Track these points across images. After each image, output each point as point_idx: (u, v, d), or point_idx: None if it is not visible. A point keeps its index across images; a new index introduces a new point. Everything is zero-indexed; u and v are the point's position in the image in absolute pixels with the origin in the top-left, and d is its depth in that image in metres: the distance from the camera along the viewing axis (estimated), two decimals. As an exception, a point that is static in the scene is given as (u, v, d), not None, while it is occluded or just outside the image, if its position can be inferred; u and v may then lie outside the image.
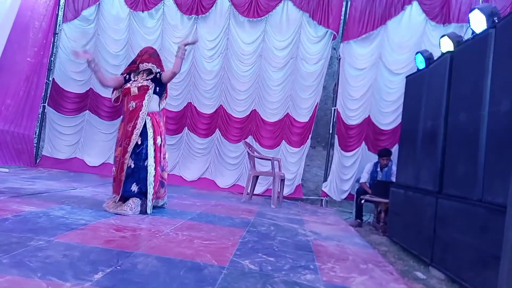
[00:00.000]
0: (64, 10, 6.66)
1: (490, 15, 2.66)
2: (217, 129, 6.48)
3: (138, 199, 3.35)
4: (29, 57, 6.04)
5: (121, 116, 3.63)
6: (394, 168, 4.87)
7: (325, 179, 6.11)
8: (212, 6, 6.33)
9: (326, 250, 2.92)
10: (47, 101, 6.66)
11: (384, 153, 5.12)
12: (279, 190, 5.34)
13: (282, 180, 5.50)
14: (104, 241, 2.36)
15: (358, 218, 4.77)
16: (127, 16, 6.53)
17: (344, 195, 5.91)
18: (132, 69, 3.58)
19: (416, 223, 3.23)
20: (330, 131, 6.18)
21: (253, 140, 6.33)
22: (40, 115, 6.69)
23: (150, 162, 3.37)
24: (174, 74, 3.53)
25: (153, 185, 3.39)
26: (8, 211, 2.84)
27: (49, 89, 6.69)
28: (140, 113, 3.39)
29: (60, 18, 6.75)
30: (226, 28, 6.35)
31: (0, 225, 2.41)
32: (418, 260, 3.05)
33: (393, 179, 4.73)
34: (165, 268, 1.98)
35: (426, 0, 5.80)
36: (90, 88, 6.68)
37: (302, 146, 6.21)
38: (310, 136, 6.24)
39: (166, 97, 3.68)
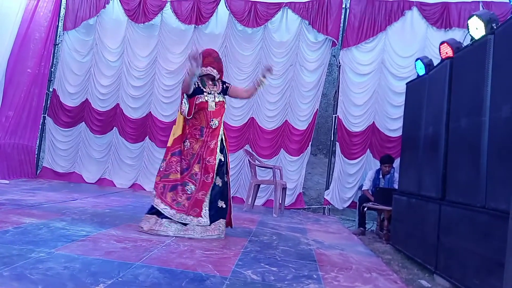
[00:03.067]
0: (64, 20, 6.71)
1: (488, 22, 2.68)
2: None
3: (223, 219, 3.21)
4: (29, 68, 6.07)
5: (181, 127, 3.28)
6: (396, 175, 4.85)
7: (327, 187, 6.06)
8: (211, 15, 6.36)
9: (329, 259, 2.89)
10: (47, 111, 6.68)
11: (386, 160, 5.10)
12: (280, 201, 5.31)
13: (284, 189, 5.48)
14: (105, 252, 2.34)
15: (361, 226, 4.74)
16: (125, 26, 6.57)
17: (347, 203, 5.84)
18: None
19: (420, 230, 3.20)
20: (332, 139, 6.15)
21: (250, 149, 6.22)
22: (41, 126, 6.70)
23: (229, 177, 3.33)
24: (245, 99, 3.45)
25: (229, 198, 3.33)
26: (9, 223, 2.83)
27: (49, 100, 6.71)
28: (220, 131, 3.28)
29: (60, 29, 6.81)
30: (225, 37, 6.37)
31: (0, 237, 2.40)
32: (423, 268, 3.02)
33: (396, 186, 4.70)
34: (166, 280, 1.96)
35: (425, 6, 5.82)
36: (86, 98, 6.65)
37: (302, 154, 6.10)
38: (310, 144, 6.16)
39: None
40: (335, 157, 6.03)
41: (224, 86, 3.35)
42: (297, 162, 6.12)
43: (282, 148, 6.20)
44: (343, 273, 2.50)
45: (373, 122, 5.93)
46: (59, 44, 6.78)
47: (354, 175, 5.87)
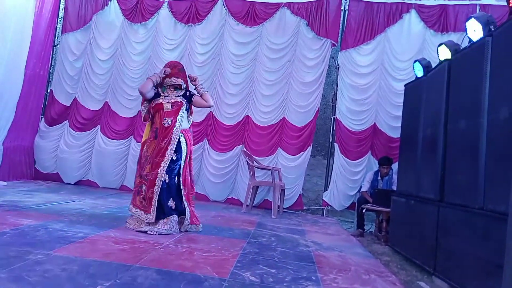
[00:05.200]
0: (63, 23, 6.69)
1: (486, 24, 2.69)
2: (205, 138, 6.23)
3: (175, 216, 3.32)
4: (27, 69, 6.06)
5: (148, 133, 3.52)
6: (395, 176, 4.85)
7: (326, 189, 6.04)
8: (208, 14, 6.34)
9: (328, 260, 2.89)
10: (44, 112, 6.65)
11: (384, 162, 5.10)
12: (279, 203, 5.30)
13: (283, 190, 5.47)
14: (103, 254, 2.33)
15: (360, 227, 4.74)
16: (120, 25, 6.55)
17: (347, 205, 5.81)
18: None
19: (418, 232, 3.20)
20: (330, 140, 6.12)
21: (245, 148, 6.09)
22: (39, 127, 6.67)
23: (181, 179, 3.39)
24: (209, 107, 3.85)
25: (187, 203, 3.40)
26: (6, 224, 2.82)
27: (47, 101, 6.69)
28: (174, 129, 3.36)
29: (58, 30, 6.80)
30: (221, 34, 6.32)
31: (-2, 239, 2.39)
32: (421, 270, 3.02)
33: (394, 187, 4.70)
34: (165, 281, 1.95)
35: (423, 8, 5.84)
36: (75, 97, 6.55)
37: (301, 153, 5.97)
38: (311, 145, 6.05)
39: (191, 113, 3.65)
40: (333, 158, 6.01)
41: (188, 93, 3.54)
42: (297, 163, 5.97)
43: (279, 147, 6.06)
44: (342, 275, 2.50)
45: (374, 123, 5.89)
46: (57, 46, 6.77)
47: (355, 175, 5.80)
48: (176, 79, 3.46)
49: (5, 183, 5.39)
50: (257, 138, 6.12)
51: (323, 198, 6.00)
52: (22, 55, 5.84)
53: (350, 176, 5.81)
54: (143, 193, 3.28)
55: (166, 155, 3.29)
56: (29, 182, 5.98)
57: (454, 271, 2.54)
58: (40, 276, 1.81)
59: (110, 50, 6.54)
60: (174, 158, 3.33)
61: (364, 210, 4.58)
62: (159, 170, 3.24)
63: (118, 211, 4.08)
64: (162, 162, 3.26)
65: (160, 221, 3.23)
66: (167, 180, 3.29)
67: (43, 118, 6.61)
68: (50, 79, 6.75)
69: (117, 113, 6.45)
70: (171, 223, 3.24)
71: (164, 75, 3.44)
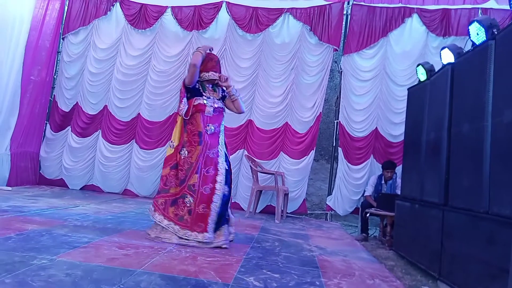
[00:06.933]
0: (64, 27, 6.72)
1: (489, 27, 2.69)
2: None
3: (226, 225, 3.12)
4: (32, 75, 6.10)
5: (178, 135, 3.17)
6: (398, 180, 4.83)
7: (330, 193, 6.03)
8: (212, 21, 6.38)
9: (332, 265, 2.88)
10: (49, 118, 6.69)
11: (388, 166, 5.09)
12: (282, 207, 5.29)
13: (286, 195, 5.46)
14: (107, 259, 2.33)
15: (364, 232, 4.72)
16: (122, 29, 6.58)
17: (351, 210, 5.79)
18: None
19: (423, 236, 3.19)
20: (333, 144, 6.13)
21: (246, 152, 6.11)
22: (44, 133, 6.71)
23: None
24: (240, 113, 3.47)
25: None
26: (11, 229, 2.83)
27: (51, 107, 6.73)
28: (220, 139, 3.15)
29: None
30: (225, 40, 6.35)
31: (2, 244, 2.40)
32: (426, 275, 3.00)
33: (398, 191, 4.69)
34: (168, 286, 1.95)
35: (425, 12, 5.85)
36: (77, 101, 6.58)
37: (305, 157, 5.96)
38: (314, 149, 6.05)
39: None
40: (337, 162, 6.00)
41: (224, 93, 3.30)
42: (299, 166, 5.96)
43: (282, 151, 6.05)
44: (346, 280, 2.48)
45: (376, 127, 5.90)
46: (61, 52, 6.82)
47: (358, 180, 5.80)
48: (214, 73, 3.16)
49: (10, 188, 5.42)
50: (259, 140, 6.13)
51: (327, 203, 5.99)
52: (18, 62, 5.83)
53: (354, 181, 5.81)
54: (189, 207, 2.98)
55: (219, 169, 3.05)
56: (33, 187, 6.00)
57: (459, 276, 2.52)
58: (44, 281, 1.82)
59: (110, 54, 6.57)
60: (227, 168, 3.13)
61: (368, 215, 4.56)
62: (216, 186, 2.99)
63: (122, 216, 4.09)
64: (218, 177, 3.03)
65: (217, 231, 3.03)
66: (226, 193, 3.07)
67: (48, 124, 6.65)
68: (54, 85, 6.79)
69: (115, 117, 6.46)
70: (226, 233, 3.06)
71: (209, 51, 3.16)
